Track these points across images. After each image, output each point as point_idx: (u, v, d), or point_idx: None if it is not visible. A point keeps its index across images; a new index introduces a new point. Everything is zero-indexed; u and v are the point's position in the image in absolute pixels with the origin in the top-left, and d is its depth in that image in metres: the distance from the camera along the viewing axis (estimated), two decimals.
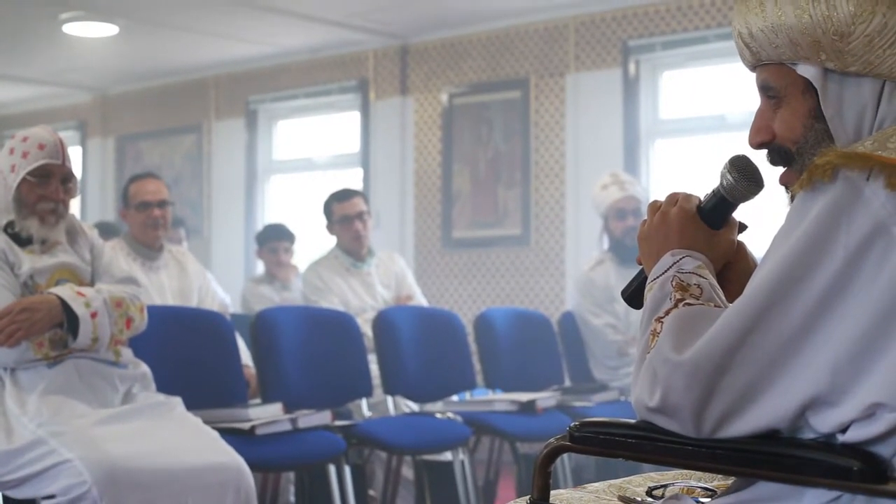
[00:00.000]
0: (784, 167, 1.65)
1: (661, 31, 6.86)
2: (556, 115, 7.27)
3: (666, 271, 1.64)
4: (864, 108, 1.55)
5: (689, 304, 1.57)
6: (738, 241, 1.77)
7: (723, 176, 1.70)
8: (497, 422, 4.86)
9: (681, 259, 1.65)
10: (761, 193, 1.71)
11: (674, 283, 1.61)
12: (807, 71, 1.57)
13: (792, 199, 1.54)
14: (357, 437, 4.34)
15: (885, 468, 1.38)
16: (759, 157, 1.71)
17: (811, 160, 1.50)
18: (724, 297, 1.62)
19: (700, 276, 1.62)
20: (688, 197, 1.74)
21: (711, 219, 1.71)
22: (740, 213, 1.77)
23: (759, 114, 1.65)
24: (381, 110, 8.07)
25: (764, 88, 1.64)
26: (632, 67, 6.96)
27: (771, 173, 1.70)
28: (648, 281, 1.67)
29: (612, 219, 5.77)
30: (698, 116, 6.88)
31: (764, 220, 2.03)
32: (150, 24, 7.67)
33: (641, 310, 1.66)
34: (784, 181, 1.66)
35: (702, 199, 1.74)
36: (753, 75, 1.66)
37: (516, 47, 7.46)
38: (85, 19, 7.45)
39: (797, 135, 1.61)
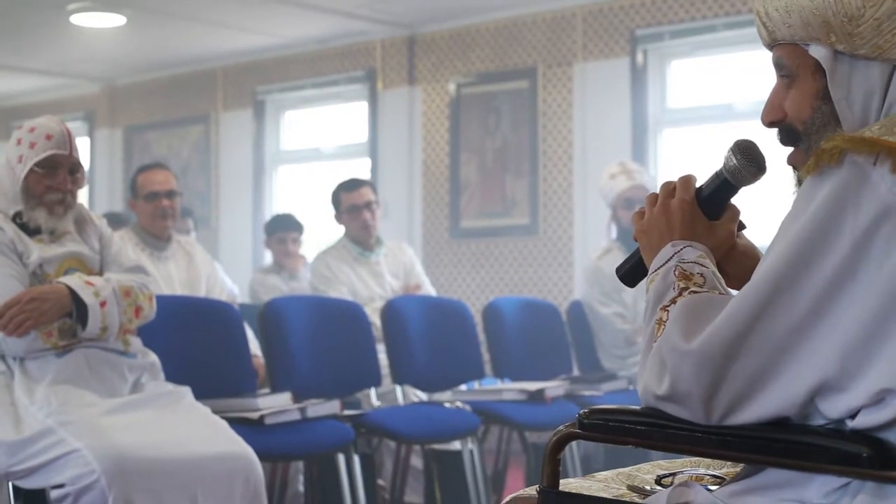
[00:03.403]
0: (793, 147, 1.65)
1: (668, 20, 6.84)
2: (564, 105, 7.26)
3: (667, 261, 1.65)
4: (872, 92, 1.55)
5: (694, 293, 1.57)
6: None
7: (727, 158, 1.71)
8: (506, 411, 4.86)
9: (682, 249, 1.66)
10: (762, 179, 1.71)
11: (677, 273, 1.61)
12: (818, 52, 1.57)
13: (799, 181, 1.54)
14: (366, 426, 4.34)
15: (894, 455, 1.38)
16: (765, 145, 1.71)
17: (818, 142, 1.50)
18: (725, 287, 1.62)
19: (702, 265, 1.63)
20: (685, 185, 1.73)
21: (711, 203, 1.72)
22: (743, 212, 1.77)
23: (773, 93, 1.66)
24: (389, 100, 8.07)
25: (778, 67, 1.64)
26: (639, 56, 6.94)
27: (776, 159, 1.70)
28: (650, 272, 1.67)
29: (620, 208, 5.76)
30: (706, 105, 6.85)
31: (769, 207, 2.02)
32: (158, 15, 7.67)
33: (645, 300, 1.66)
34: (792, 161, 1.66)
35: (701, 183, 1.74)
36: (761, 65, 1.67)
37: (524, 37, 7.45)
38: (92, 10, 7.45)
39: (805, 115, 1.61)
